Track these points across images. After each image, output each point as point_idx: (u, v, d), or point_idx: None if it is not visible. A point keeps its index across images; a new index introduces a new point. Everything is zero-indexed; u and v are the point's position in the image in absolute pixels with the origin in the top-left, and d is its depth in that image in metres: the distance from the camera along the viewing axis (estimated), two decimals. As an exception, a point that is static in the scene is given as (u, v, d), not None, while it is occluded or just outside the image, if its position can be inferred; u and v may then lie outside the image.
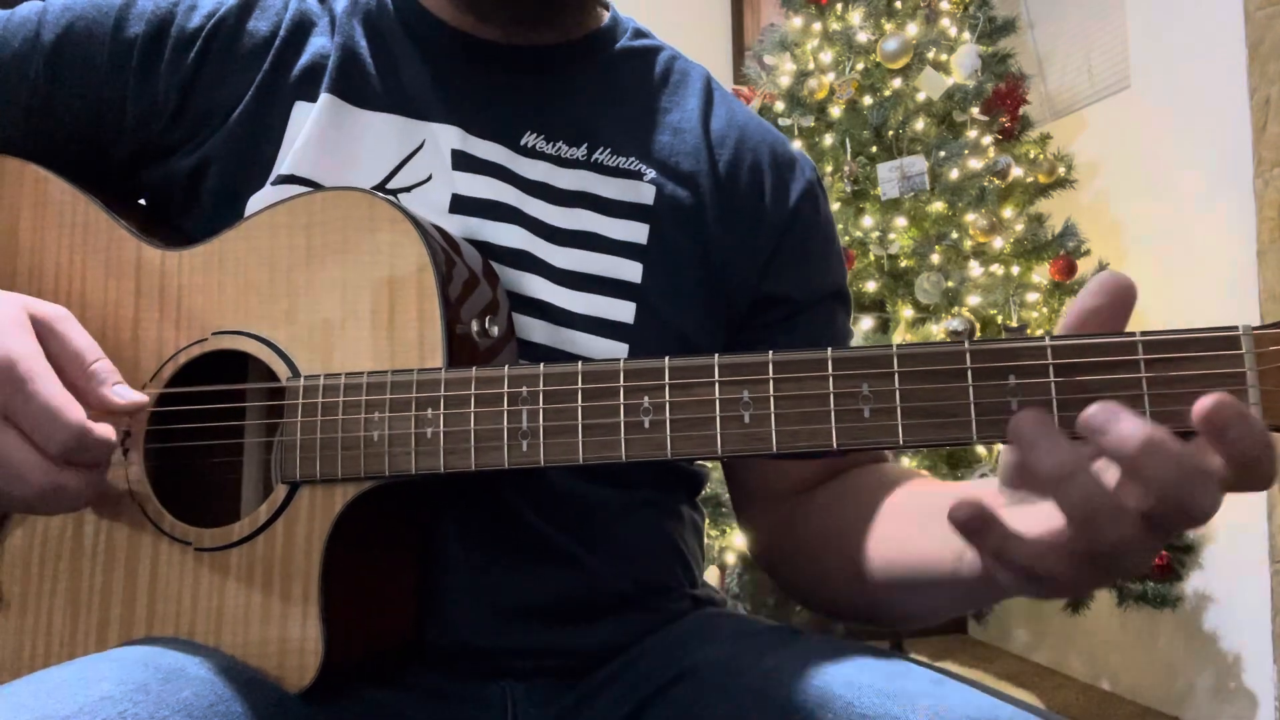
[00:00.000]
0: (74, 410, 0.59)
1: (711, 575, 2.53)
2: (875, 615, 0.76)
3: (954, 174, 2.51)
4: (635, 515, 0.81)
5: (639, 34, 0.90)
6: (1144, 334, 0.51)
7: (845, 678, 0.64)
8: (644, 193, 0.81)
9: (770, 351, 0.57)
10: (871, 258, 2.56)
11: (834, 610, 0.81)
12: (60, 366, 0.62)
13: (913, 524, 0.68)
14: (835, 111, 2.62)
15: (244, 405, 0.71)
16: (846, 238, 2.54)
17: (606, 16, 0.89)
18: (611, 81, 0.86)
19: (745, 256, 0.83)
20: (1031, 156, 2.68)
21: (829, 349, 0.56)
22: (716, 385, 0.57)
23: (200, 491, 0.73)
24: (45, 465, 0.59)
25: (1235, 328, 0.50)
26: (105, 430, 0.61)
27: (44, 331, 0.62)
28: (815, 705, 0.62)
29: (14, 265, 0.75)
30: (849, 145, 2.59)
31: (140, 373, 0.71)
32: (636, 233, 0.80)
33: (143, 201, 0.83)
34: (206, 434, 0.71)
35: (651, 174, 0.82)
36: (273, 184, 0.76)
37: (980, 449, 2.25)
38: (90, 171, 0.79)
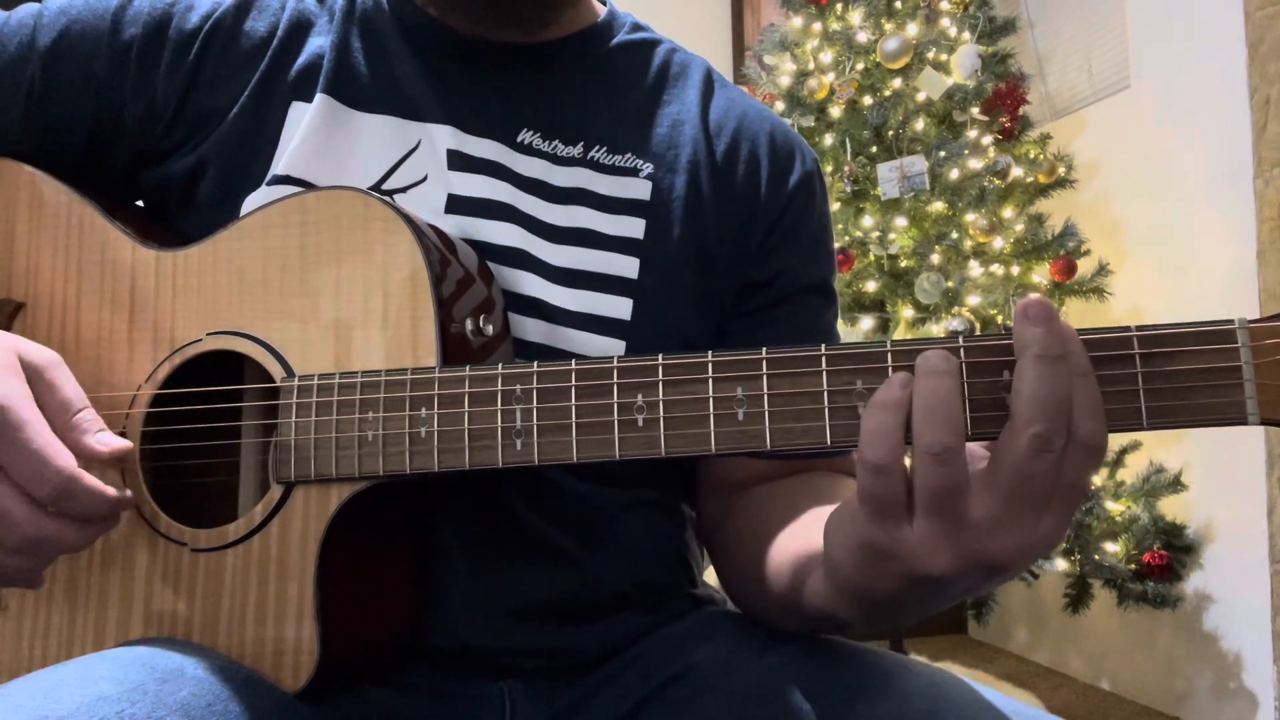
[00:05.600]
0: (63, 457, 0.58)
1: (711, 575, 2.52)
2: (776, 621, 0.72)
3: (954, 174, 2.50)
4: (635, 515, 0.80)
5: (637, 28, 0.90)
6: (1139, 328, 0.51)
7: (843, 677, 0.64)
8: (641, 188, 0.81)
9: (764, 348, 0.56)
10: (871, 258, 2.55)
11: (747, 609, 0.77)
12: (46, 414, 0.60)
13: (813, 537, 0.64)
14: (835, 111, 2.62)
15: (240, 406, 0.71)
16: (846, 238, 2.54)
17: (603, 11, 0.89)
18: (608, 77, 0.85)
19: (739, 244, 0.83)
20: (1031, 156, 2.68)
21: (823, 345, 0.55)
22: (710, 383, 0.57)
23: (198, 492, 0.73)
24: (34, 514, 0.58)
25: (1231, 321, 0.50)
26: (94, 481, 0.59)
27: (33, 377, 0.61)
28: (813, 705, 0.62)
29: (10, 267, 0.75)
30: (849, 145, 2.59)
31: (135, 373, 0.71)
32: (633, 228, 0.80)
33: (141, 204, 0.83)
34: (202, 435, 0.71)
35: (648, 169, 0.82)
36: (268, 184, 0.76)
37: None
38: (89, 175, 0.79)
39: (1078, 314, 2.61)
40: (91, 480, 0.59)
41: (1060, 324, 0.49)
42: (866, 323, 2.54)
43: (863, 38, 2.62)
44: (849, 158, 2.58)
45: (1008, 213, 2.57)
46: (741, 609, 0.79)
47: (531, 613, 0.75)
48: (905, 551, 0.50)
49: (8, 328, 0.73)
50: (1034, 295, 0.50)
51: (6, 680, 0.58)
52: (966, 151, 2.50)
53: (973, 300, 2.44)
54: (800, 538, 0.65)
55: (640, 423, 0.58)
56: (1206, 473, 2.41)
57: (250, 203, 0.76)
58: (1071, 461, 0.49)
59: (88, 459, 0.60)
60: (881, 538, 0.51)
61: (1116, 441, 2.43)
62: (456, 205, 0.77)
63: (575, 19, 0.86)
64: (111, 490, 0.60)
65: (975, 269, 2.49)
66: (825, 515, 0.59)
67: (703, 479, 0.85)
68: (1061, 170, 2.67)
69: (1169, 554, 2.32)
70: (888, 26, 2.63)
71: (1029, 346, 0.49)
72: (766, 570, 0.68)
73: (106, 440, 0.62)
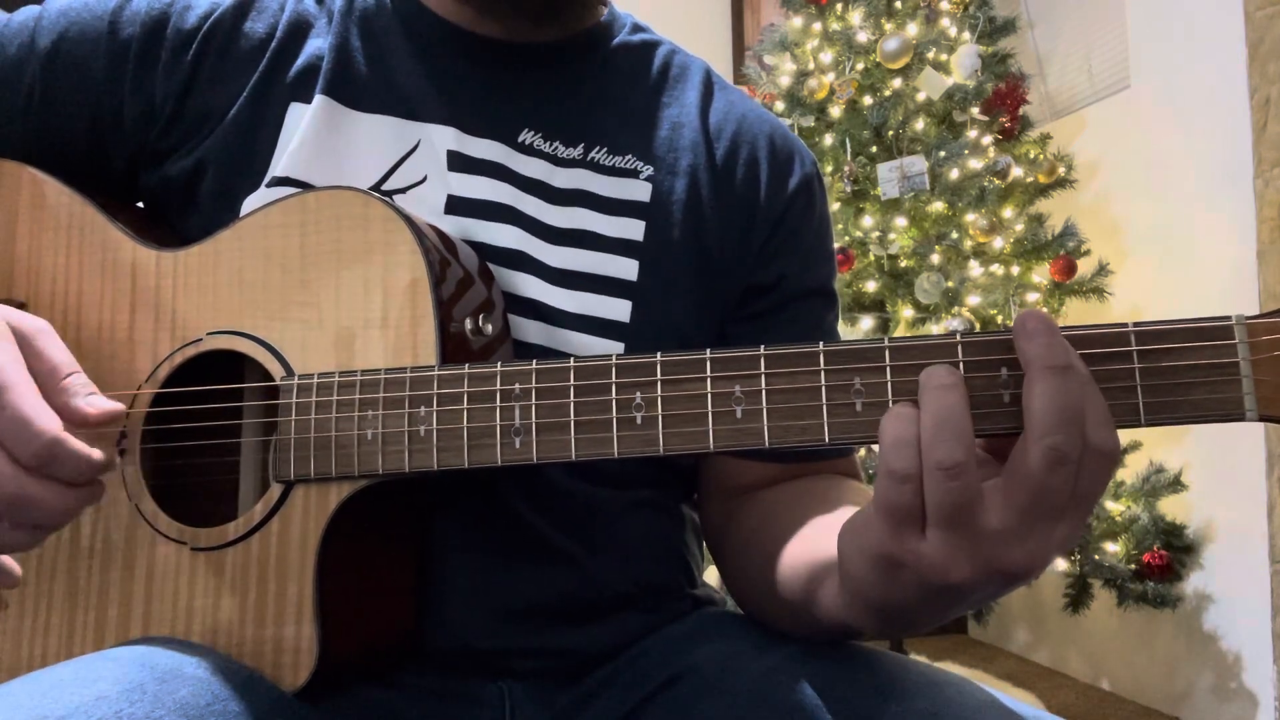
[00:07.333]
0: (47, 419, 0.56)
1: (711, 575, 2.52)
2: (787, 628, 0.71)
3: (954, 174, 2.51)
4: (635, 515, 0.80)
5: (637, 29, 0.90)
6: (1136, 324, 0.51)
7: (843, 677, 0.64)
8: (641, 190, 0.81)
9: (761, 346, 0.56)
10: (871, 258, 2.55)
11: (756, 616, 0.77)
12: (36, 380, 0.59)
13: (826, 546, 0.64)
14: (835, 111, 2.62)
15: (240, 405, 0.71)
16: (846, 238, 2.54)
17: (605, 12, 0.89)
18: (609, 78, 0.85)
19: (740, 248, 0.83)
20: (1031, 156, 2.69)
21: (820, 343, 0.55)
22: (708, 380, 0.57)
23: (198, 492, 0.73)
24: (15, 473, 0.56)
25: (1229, 317, 0.51)
26: (79, 444, 0.57)
27: (23, 343, 0.60)
28: (813, 705, 0.62)
29: (11, 267, 0.75)
30: (849, 145, 2.59)
31: (136, 373, 0.71)
32: (633, 230, 0.80)
33: (141, 205, 0.83)
34: (202, 434, 0.71)
35: (649, 171, 0.82)
36: (267, 185, 0.76)
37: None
38: (89, 176, 0.79)
39: (1078, 314, 2.61)
40: (76, 443, 0.57)
41: (1061, 335, 0.50)
42: (866, 323, 2.54)
43: (863, 38, 2.62)
44: (849, 158, 2.58)
45: (1008, 213, 2.57)
46: (750, 615, 0.78)
47: (531, 613, 0.75)
48: (921, 563, 0.50)
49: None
50: (1031, 310, 0.51)
51: (6, 680, 0.58)
52: (966, 151, 2.50)
53: (973, 300, 2.44)
54: (811, 546, 0.64)
55: (639, 421, 0.58)
56: (1206, 473, 2.41)
57: (250, 204, 0.76)
58: (1087, 471, 0.49)
59: (78, 422, 0.59)
60: (897, 549, 0.50)
61: (1117, 441, 2.43)
62: (455, 206, 0.77)
63: (580, 20, 0.86)
64: (96, 453, 0.58)
65: (975, 269, 2.50)
66: (834, 523, 0.59)
67: (706, 483, 0.85)
68: (1061, 170, 2.67)
69: (1169, 554, 2.32)
70: (888, 26, 2.63)
71: (1036, 359, 0.49)
72: (777, 579, 0.68)
73: (96, 403, 0.60)
